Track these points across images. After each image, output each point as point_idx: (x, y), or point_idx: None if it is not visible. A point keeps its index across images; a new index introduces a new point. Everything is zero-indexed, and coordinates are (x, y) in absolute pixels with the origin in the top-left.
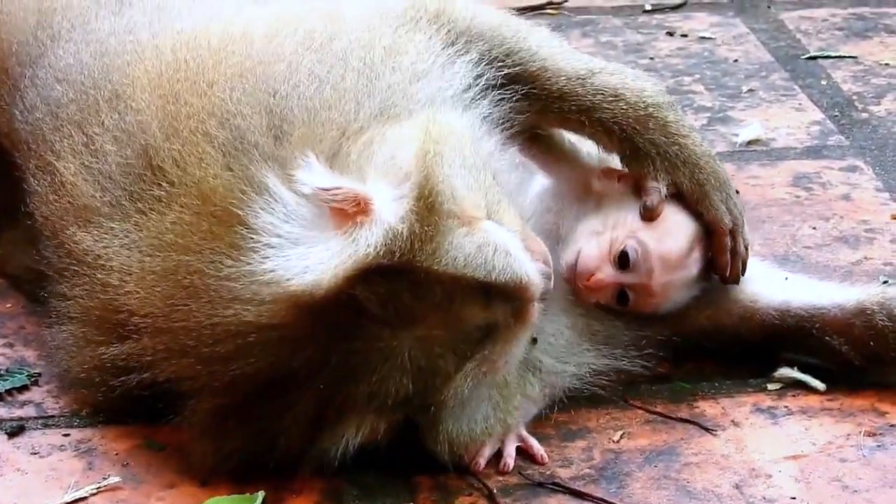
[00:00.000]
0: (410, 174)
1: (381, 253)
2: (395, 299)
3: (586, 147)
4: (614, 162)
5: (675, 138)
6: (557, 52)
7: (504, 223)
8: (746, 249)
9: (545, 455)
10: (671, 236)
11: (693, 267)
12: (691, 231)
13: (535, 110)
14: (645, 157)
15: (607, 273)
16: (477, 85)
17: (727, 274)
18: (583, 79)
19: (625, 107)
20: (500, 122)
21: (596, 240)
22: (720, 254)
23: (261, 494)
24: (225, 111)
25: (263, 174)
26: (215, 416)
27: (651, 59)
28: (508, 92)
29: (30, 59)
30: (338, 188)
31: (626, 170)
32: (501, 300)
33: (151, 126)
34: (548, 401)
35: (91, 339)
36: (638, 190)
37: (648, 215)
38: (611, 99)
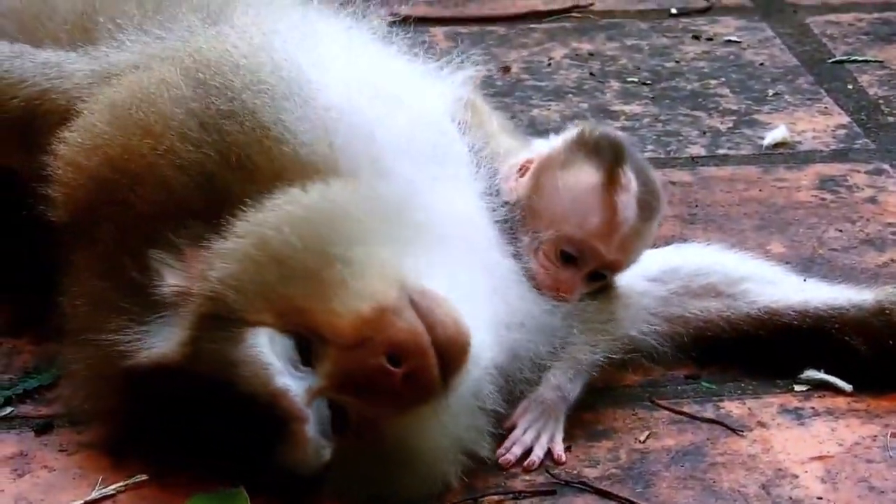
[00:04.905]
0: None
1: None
2: None
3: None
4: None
5: None
6: None
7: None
8: None
9: (563, 455)
10: (589, 214)
11: (626, 211)
12: (598, 192)
13: None
14: None
15: (567, 279)
16: None
17: None
18: None
19: None
20: None
21: (535, 258)
22: None
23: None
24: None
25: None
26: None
27: (677, 62)
28: None
29: None
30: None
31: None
32: None
33: None
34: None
35: None
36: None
37: None
38: None
